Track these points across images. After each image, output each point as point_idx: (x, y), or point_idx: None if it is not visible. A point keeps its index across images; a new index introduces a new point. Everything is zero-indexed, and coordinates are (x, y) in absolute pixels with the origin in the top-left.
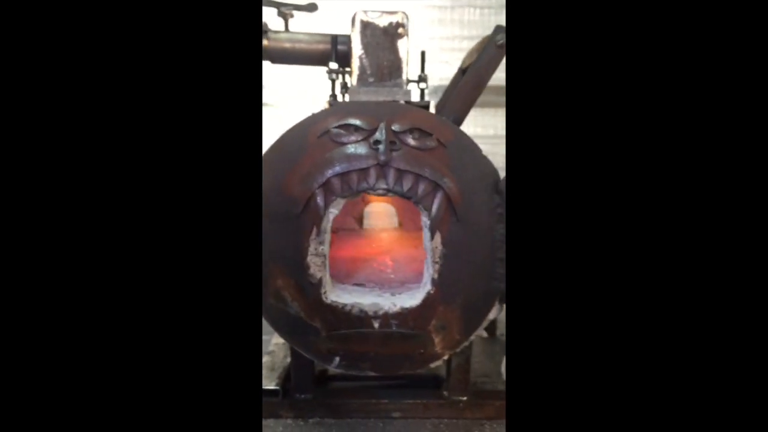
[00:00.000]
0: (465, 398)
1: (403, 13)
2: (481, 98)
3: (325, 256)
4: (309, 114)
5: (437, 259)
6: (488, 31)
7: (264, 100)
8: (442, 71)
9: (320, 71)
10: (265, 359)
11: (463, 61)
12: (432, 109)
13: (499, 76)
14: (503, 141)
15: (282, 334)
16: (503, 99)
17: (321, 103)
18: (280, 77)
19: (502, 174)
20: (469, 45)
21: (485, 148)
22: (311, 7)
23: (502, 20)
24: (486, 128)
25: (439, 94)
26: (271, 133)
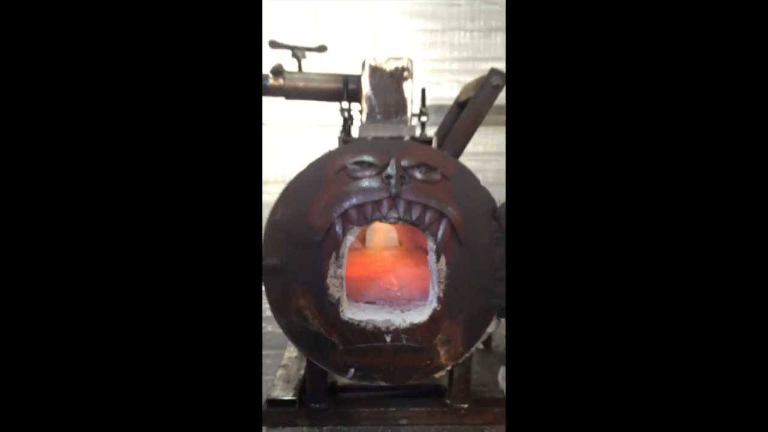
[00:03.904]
0: (466, 405)
1: (408, 59)
2: None
3: (342, 278)
4: (302, 132)
5: (442, 280)
6: (478, 53)
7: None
8: (434, 91)
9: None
10: (280, 372)
11: (460, 95)
12: (434, 143)
13: None
14: (492, 158)
15: (301, 349)
16: (492, 118)
17: (313, 124)
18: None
19: (498, 198)
20: (459, 66)
21: (475, 164)
22: (321, 49)
23: (491, 43)
24: (476, 145)
25: (432, 113)
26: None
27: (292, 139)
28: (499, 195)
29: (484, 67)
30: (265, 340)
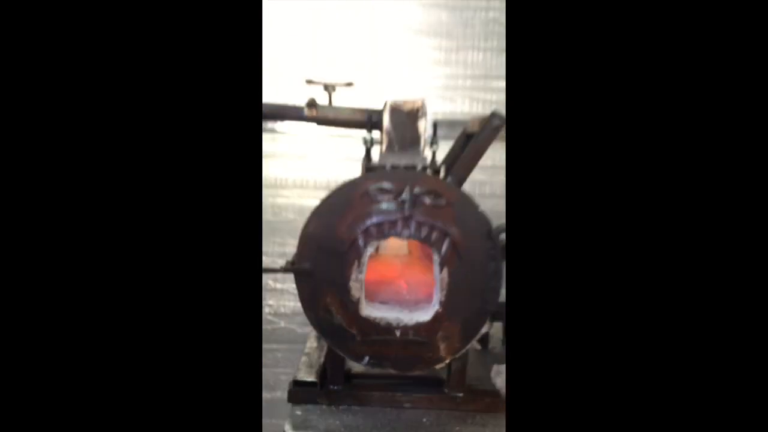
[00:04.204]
0: (461, 394)
1: (422, 100)
2: None
3: (362, 281)
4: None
5: (444, 287)
6: (491, 72)
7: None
8: (447, 106)
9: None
10: (303, 359)
11: (467, 126)
12: (442, 171)
13: None
14: (499, 171)
15: (326, 339)
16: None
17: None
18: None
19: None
20: (473, 84)
21: (484, 177)
22: (349, 84)
23: (503, 62)
24: (485, 160)
25: (446, 127)
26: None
27: (311, 147)
28: (503, 206)
29: (495, 85)
30: (278, 335)
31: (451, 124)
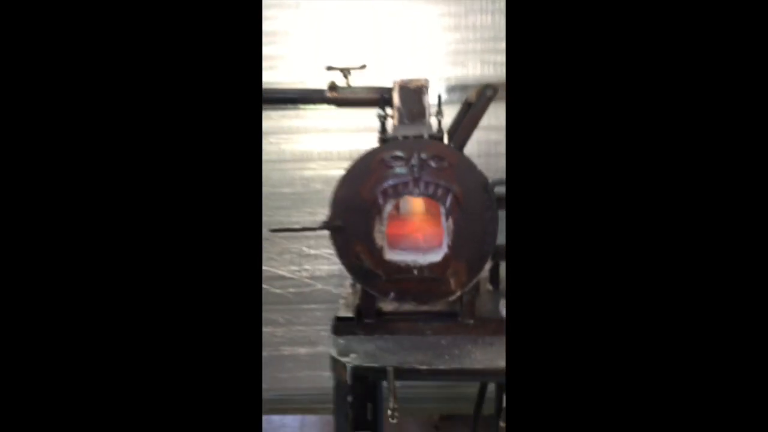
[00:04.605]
0: (472, 322)
1: (426, 78)
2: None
3: (384, 232)
4: None
5: (450, 233)
6: (500, 33)
7: None
8: (459, 71)
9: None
10: (341, 302)
11: (469, 96)
12: (445, 137)
13: None
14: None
15: (358, 280)
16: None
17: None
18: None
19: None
20: (483, 47)
21: (497, 137)
22: (362, 67)
23: None
24: (498, 119)
25: (458, 91)
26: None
27: (333, 122)
28: None
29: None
30: (316, 296)
31: (463, 88)
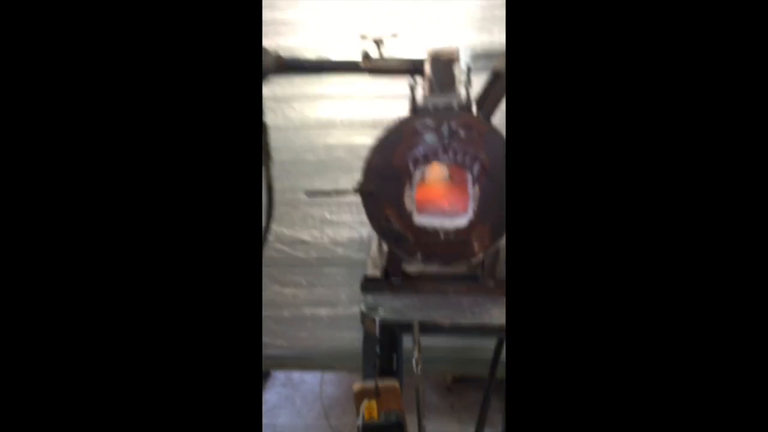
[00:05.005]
0: (492, 284)
1: (456, 47)
2: None
3: (413, 197)
4: None
5: (476, 200)
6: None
7: None
8: (485, 38)
9: None
10: (369, 262)
11: (496, 66)
12: (474, 107)
13: None
14: None
15: (387, 242)
16: None
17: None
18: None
19: None
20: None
21: None
22: (394, 36)
23: None
24: None
25: (483, 59)
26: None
27: (355, 88)
28: None
29: None
30: (337, 261)
31: (488, 56)
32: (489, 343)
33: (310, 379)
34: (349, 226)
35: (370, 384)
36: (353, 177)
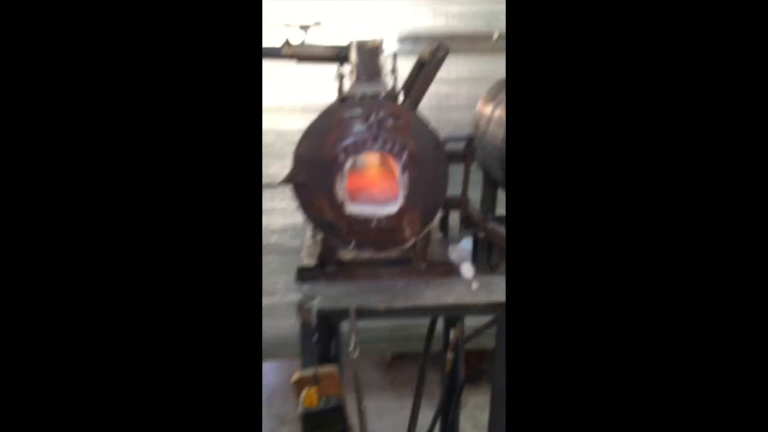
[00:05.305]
0: (424, 266)
1: (381, 38)
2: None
3: (344, 187)
4: None
5: (405, 187)
6: None
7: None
8: (414, 22)
9: None
10: (304, 251)
11: (422, 54)
12: (401, 95)
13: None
14: (463, 83)
15: (321, 231)
16: (462, 45)
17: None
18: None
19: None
20: None
21: (449, 89)
22: (317, 24)
23: None
24: (449, 72)
25: (410, 42)
26: None
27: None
28: (469, 116)
29: None
30: (272, 248)
31: (415, 39)
32: (425, 321)
33: None
34: (283, 213)
35: (308, 372)
36: (284, 164)
